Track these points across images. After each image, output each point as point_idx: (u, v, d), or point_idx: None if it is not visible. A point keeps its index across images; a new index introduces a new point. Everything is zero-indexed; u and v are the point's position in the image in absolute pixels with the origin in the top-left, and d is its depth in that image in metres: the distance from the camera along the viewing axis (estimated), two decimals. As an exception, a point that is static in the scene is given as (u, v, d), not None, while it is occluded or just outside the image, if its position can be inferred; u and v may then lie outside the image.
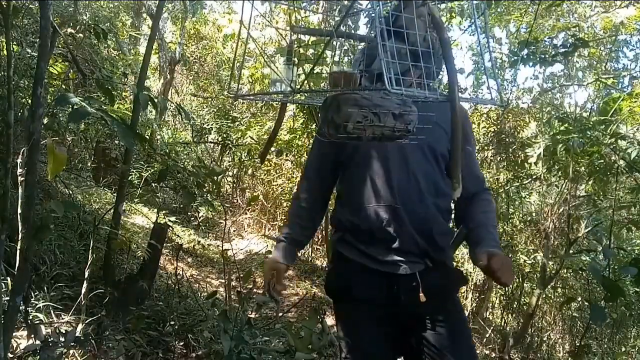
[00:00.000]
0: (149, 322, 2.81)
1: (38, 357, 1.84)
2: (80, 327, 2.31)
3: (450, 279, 1.49)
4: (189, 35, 10.62)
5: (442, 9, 5.99)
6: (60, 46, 4.27)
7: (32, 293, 2.52)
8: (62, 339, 1.85)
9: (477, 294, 5.80)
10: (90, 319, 2.42)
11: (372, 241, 1.44)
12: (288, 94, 1.36)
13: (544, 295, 5.27)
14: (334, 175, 1.61)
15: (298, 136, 6.42)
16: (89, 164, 5.89)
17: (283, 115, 5.54)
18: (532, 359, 5.21)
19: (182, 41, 9.75)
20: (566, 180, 4.75)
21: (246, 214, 8.00)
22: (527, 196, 5.83)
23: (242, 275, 4.09)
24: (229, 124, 8.64)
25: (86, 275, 2.41)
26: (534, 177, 5.39)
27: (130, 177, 5.13)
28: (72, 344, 1.91)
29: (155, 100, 2.67)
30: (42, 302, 2.46)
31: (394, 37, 1.07)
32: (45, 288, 2.64)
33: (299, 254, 6.47)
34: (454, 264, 1.60)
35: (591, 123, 4.17)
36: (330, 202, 1.74)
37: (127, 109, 4.82)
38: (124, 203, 3.44)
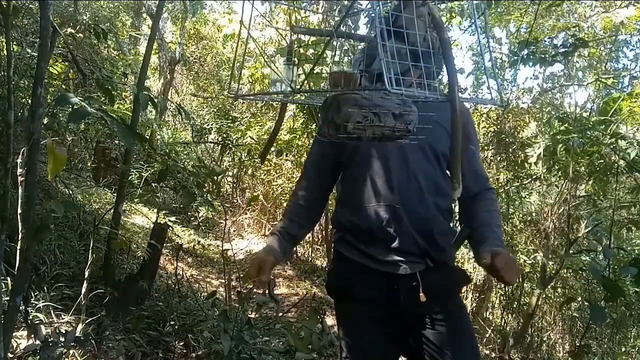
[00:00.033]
0: (149, 322, 2.81)
1: (38, 357, 1.84)
2: (80, 327, 2.31)
3: (451, 278, 1.48)
4: (189, 35, 10.62)
5: (442, 9, 6.00)
6: (60, 46, 4.27)
7: (32, 293, 2.52)
8: (62, 339, 1.86)
9: (477, 294, 5.80)
10: (90, 319, 2.42)
11: (372, 241, 1.44)
12: (288, 94, 1.36)
13: (544, 295, 5.27)
14: (334, 175, 1.61)
15: (298, 136, 6.42)
16: (89, 164, 5.90)
17: (283, 115, 5.55)
18: (532, 359, 5.21)
19: (182, 41, 9.75)
20: (566, 180, 4.75)
21: (246, 214, 8.00)
22: (527, 196, 5.84)
23: (242, 275, 4.09)
24: (229, 124, 8.65)
25: (86, 275, 2.41)
26: (534, 177, 5.40)
27: (130, 177, 5.13)
28: (72, 344, 1.91)
29: (155, 100, 2.68)
30: (42, 302, 2.46)
31: (394, 37, 1.07)
32: (45, 288, 2.64)
33: (299, 254, 6.42)
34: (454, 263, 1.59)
35: (591, 123, 4.17)
36: (330, 203, 1.74)
37: (127, 109, 4.82)
38: (124, 203, 3.44)
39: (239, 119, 8.91)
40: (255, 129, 8.05)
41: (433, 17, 1.15)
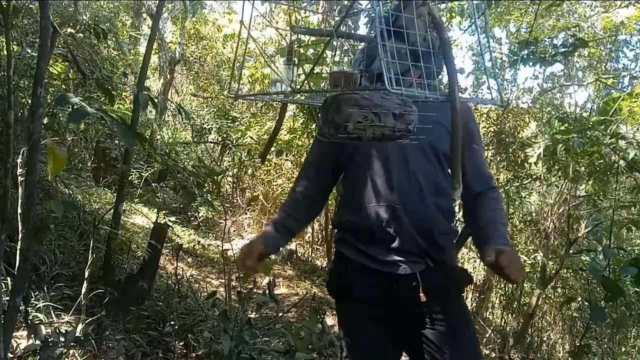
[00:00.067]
0: (149, 322, 2.81)
1: (38, 357, 1.84)
2: (80, 327, 2.31)
3: (452, 279, 1.47)
4: (189, 35, 10.61)
5: (442, 9, 5.99)
6: (60, 46, 4.27)
7: (32, 293, 2.52)
8: (62, 339, 1.86)
9: (477, 294, 5.80)
10: (90, 319, 2.42)
11: (372, 241, 1.44)
12: (288, 94, 1.36)
13: (544, 295, 5.27)
14: (334, 176, 1.61)
15: (298, 136, 6.43)
16: (89, 164, 5.89)
17: (284, 115, 5.55)
18: (532, 359, 5.22)
19: (182, 41, 9.75)
20: (566, 180, 4.75)
21: (246, 214, 8.00)
22: (527, 196, 5.84)
23: (242, 275, 4.09)
24: (229, 124, 8.65)
25: (86, 275, 2.41)
26: (534, 177, 5.40)
27: (130, 177, 5.13)
28: (72, 344, 1.92)
29: (155, 100, 2.68)
30: (42, 302, 2.46)
31: (394, 37, 1.07)
32: (45, 288, 2.64)
33: (299, 253, 6.42)
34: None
35: (591, 123, 4.17)
36: (330, 203, 1.74)
37: (127, 109, 4.82)
38: (124, 203, 3.44)
39: (239, 119, 8.91)
40: (255, 129, 8.05)
41: (433, 17, 1.15)
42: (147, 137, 6.44)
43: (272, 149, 6.29)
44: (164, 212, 5.99)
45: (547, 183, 5.38)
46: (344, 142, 1.18)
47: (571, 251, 4.41)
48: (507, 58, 7.62)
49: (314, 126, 5.55)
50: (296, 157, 6.90)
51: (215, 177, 3.50)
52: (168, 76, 9.50)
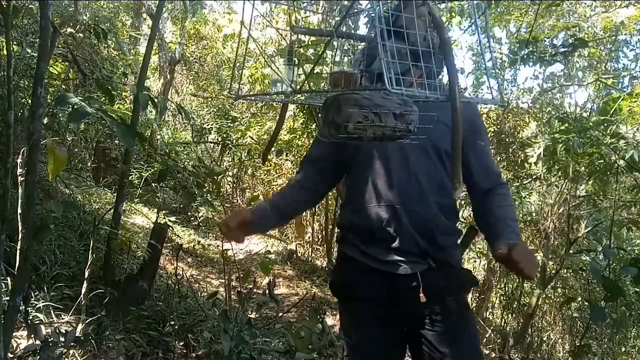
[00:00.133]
0: (149, 322, 2.81)
1: (38, 357, 1.84)
2: (80, 327, 2.31)
3: (453, 279, 1.46)
4: (189, 35, 10.62)
5: (442, 8, 5.99)
6: (60, 46, 4.26)
7: (32, 293, 2.52)
8: (62, 339, 1.86)
9: (477, 294, 5.80)
10: (90, 319, 2.42)
11: (372, 241, 1.44)
12: (288, 94, 1.36)
13: (544, 295, 5.27)
14: (334, 176, 1.61)
15: (298, 136, 6.43)
16: (89, 164, 5.90)
17: (284, 116, 5.54)
18: (532, 359, 5.22)
19: (182, 41, 9.75)
20: (566, 180, 4.75)
21: (246, 214, 7.98)
22: (527, 196, 5.83)
23: (242, 275, 4.09)
24: (229, 124, 8.65)
25: (86, 275, 2.41)
26: (534, 177, 5.39)
27: (130, 177, 5.13)
28: (72, 344, 1.92)
29: (155, 100, 2.68)
30: (42, 302, 2.46)
31: (394, 37, 1.07)
32: (45, 288, 2.64)
33: (299, 253, 6.40)
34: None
35: (591, 123, 4.17)
36: (330, 202, 1.74)
37: (127, 109, 4.82)
38: (124, 203, 3.44)
39: (239, 119, 8.91)
40: (255, 129, 8.05)
41: (433, 17, 1.15)
42: (147, 137, 6.43)
43: (272, 149, 6.28)
44: (164, 212, 6.00)
45: (547, 183, 5.38)
46: (345, 142, 1.18)
47: (571, 251, 4.41)
48: (507, 58, 7.63)
49: (314, 126, 5.55)
50: (296, 157, 6.90)
51: (215, 177, 3.50)
52: (168, 76, 9.50)
